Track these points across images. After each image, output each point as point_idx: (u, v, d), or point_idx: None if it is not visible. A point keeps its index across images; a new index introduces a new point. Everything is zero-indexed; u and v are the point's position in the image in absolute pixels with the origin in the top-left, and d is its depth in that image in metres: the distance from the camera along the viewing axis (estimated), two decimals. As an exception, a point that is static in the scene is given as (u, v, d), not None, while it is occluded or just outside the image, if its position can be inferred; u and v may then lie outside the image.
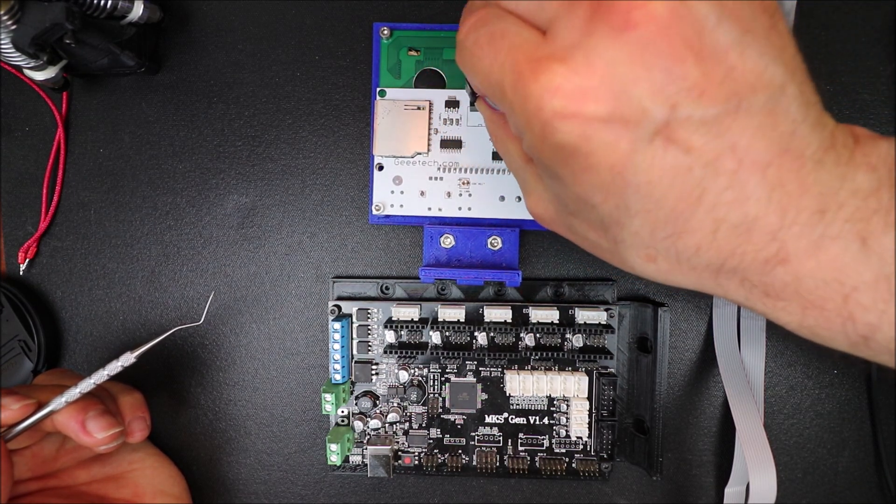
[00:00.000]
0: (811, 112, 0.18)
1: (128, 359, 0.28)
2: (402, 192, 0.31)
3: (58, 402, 0.26)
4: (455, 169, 0.31)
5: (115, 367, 0.27)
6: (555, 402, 0.32)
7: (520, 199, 0.30)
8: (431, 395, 0.32)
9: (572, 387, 0.31)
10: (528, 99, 0.18)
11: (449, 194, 0.31)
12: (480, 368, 0.32)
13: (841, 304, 0.19)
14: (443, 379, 0.32)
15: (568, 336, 0.32)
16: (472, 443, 0.32)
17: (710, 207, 0.18)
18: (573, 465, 0.32)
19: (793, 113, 0.18)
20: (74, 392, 0.27)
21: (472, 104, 0.30)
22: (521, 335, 0.32)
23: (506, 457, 0.32)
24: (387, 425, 0.32)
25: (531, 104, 0.18)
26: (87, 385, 0.27)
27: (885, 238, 0.18)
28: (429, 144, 0.30)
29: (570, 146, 0.18)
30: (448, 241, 0.30)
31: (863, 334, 0.19)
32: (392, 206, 0.31)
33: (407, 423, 0.32)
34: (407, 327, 0.31)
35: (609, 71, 0.17)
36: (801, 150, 0.18)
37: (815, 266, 0.18)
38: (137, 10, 0.30)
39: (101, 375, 0.27)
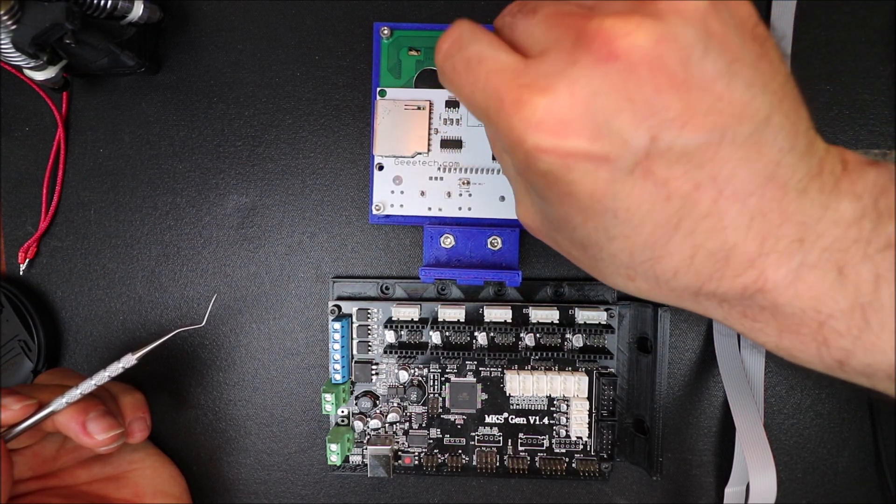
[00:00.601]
0: (799, 141, 0.18)
1: (129, 360, 0.28)
2: (402, 192, 0.31)
3: (59, 403, 0.26)
4: (455, 169, 0.31)
5: (116, 369, 0.27)
6: (555, 402, 0.32)
7: (520, 199, 0.30)
8: (431, 395, 0.32)
9: (572, 387, 0.31)
10: (511, 130, 0.18)
11: (449, 194, 0.31)
12: (480, 368, 0.32)
13: (816, 329, 0.19)
14: (443, 379, 0.32)
15: (568, 336, 0.32)
16: (472, 443, 0.32)
17: (687, 234, 0.18)
18: (573, 465, 0.32)
19: (779, 143, 0.17)
20: (75, 393, 0.27)
21: None
22: (521, 335, 0.32)
23: (506, 457, 0.32)
24: (387, 425, 0.32)
25: (514, 135, 0.18)
26: (88, 386, 0.27)
27: (862, 268, 0.18)
28: (429, 144, 0.30)
29: (551, 175, 0.18)
30: (448, 241, 0.30)
31: (837, 359, 0.19)
32: (392, 206, 0.31)
33: (407, 423, 0.32)
34: (407, 327, 0.31)
35: (591, 102, 0.17)
36: (786, 180, 0.18)
37: (792, 295, 0.18)
38: (137, 10, 0.30)
39: (102, 376, 0.27)
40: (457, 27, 0.20)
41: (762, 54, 0.17)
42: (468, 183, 0.31)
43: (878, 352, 0.18)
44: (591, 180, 0.18)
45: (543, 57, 0.18)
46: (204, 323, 0.31)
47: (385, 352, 0.32)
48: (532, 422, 0.32)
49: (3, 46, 0.26)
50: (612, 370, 0.32)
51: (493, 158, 0.30)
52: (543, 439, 0.32)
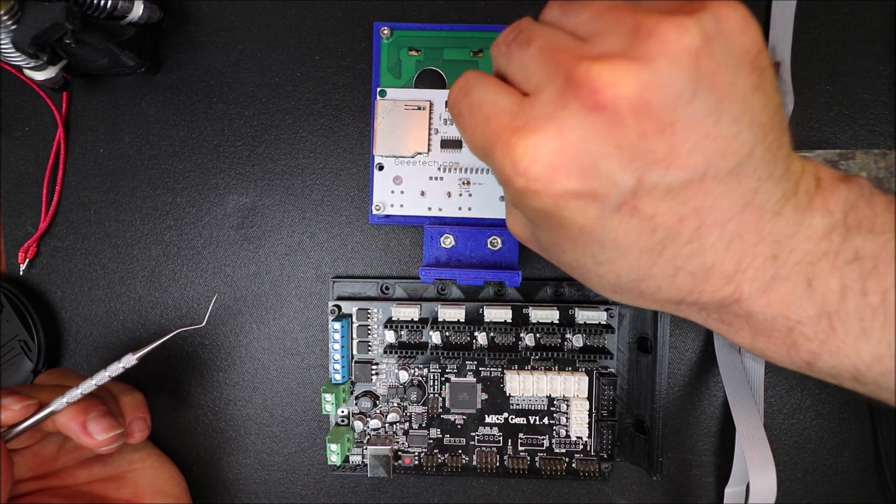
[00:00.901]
0: (778, 167, 0.19)
1: (129, 360, 0.28)
2: (402, 192, 0.31)
3: (59, 403, 0.26)
4: (455, 169, 0.31)
5: (116, 369, 0.27)
6: (555, 402, 0.32)
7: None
8: (431, 395, 0.32)
9: (572, 387, 0.31)
10: (503, 171, 0.19)
11: (449, 194, 0.31)
12: (480, 368, 0.32)
13: (786, 334, 0.20)
14: (443, 379, 0.32)
15: (568, 336, 0.32)
16: (472, 443, 0.32)
17: (670, 258, 0.19)
18: (573, 465, 0.32)
19: (759, 172, 0.18)
20: (76, 393, 0.27)
21: None
22: (521, 335, 0.32)
23: (506, 457, 0.32)
24: (387, 425, 0.32)
25: (506, 175, 0.19)
26: (88, 386, 0.27)
27: (830, 279, 0.19)
28: (429, 144, 0.30)
29: (542, 212, 0.19)
30: (448, 241, 0.30)
31: (806, 360, 0.20)
32: (392, 206, 0.31)
33: (407, 423, 0.32)
34: (407, 327, 0.31)
35: (580, 146, 0.17)
36: (762, 204, 0.19)
37: (765, 304, 0.19)
38: (137, 10, 0.30)
39: (102, 376, 0.27)
40: (465, 76, 0.22)
41: (757, 86, 0.18)
42: (468, 183, 0.31)
43: (843, 356, 0.19)
44: (580, 216, 0.19)
45: (535, 98, 0.19)
46: (204, 323, 0.31)
47: (385, 352, 0.32)
48: (532, 422, 0.32)
49: (3, 46, 0.26)
50: (612, 370, 0.32)
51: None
52: (543, 439, 0.32)
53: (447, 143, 0.30)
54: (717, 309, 0.20)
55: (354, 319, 0.32)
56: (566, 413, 0.32)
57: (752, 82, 0.18)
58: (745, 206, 0.18)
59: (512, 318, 0.31)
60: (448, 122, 0.30)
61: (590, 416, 0.32)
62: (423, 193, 0.31)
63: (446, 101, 0.22)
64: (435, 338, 0.31)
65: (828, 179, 0.20)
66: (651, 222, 0.18)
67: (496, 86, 0.20)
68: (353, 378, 0.32)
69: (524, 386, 0.31)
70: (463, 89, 0.21)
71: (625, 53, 0.17)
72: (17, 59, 0.27)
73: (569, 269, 0.22)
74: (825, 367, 0.20)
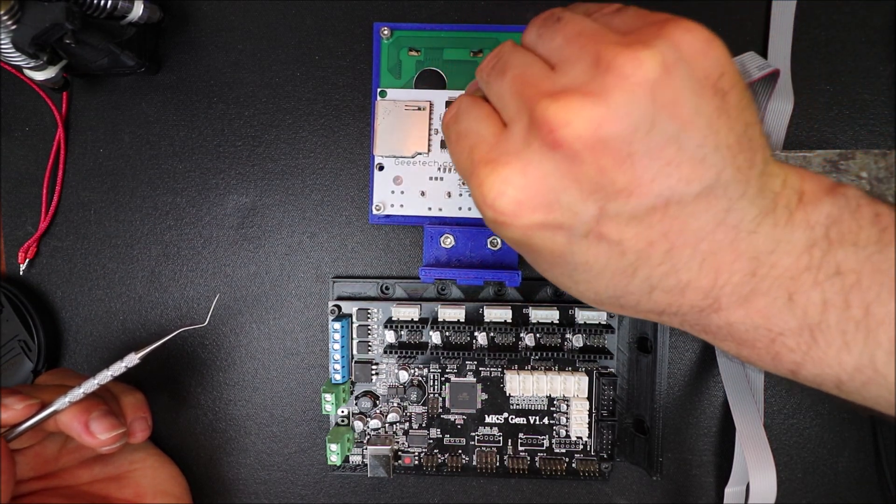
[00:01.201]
0: (751, 186, 0.18)
1: (132, 360, 0.28)
2: (402, 192, 0.31)
3: (61, 402, 0.26)
4: (455, 169, 0.31)
5: (119, 368, 0.27)
6: (555, 402, 0.32)
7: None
8: (431, 395, 0.32)
9: (572, 387, 0.31)
10: (476, 200, 0.20)
11: (449, 194, 0.31)
12: (480, 368, 0.32)
13: (768, 344, 0.20)
14: (443, 379, 0.32)
15: (568, 336, 0.32)
16: (472, 443, 0.32)
17: (644, 278, 0.20)
18: (573, 465, 0.32)
19: (729, 193, 0.18)
20: (78, 392, 0.27)
21: None
22: (521, 335, 0.32)
23: (506, 457, 0.32)
24: (387, 425, 0.32)
25: (478, 204, 0.20)
26: (90, 385, 0.27)
27: (812, 293, 0.19)
28: (429, 145, 0.30)
29: (513, 240, 0.20)
30: (448, 241, 0.30)
31: (789, 369, 0.20)
32: (392, 206, 0.31)
33: (407, 423, 0.32)
34: (407, 327, 0.31)
35: (542, 181, 0.18)
36: (736, 223, 0.19)
37: (744, 314, 0.20)
38: (137, 10, 0.30)
39: (104, 376, 0.27)
40: (458, 101, 0.23)
41: (721, 109, 0.18)
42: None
43: (825, 366, 0.19)
44: (550, 243, 0.20)
45: (508, 131, 0.20)
46: (206, 322, 0.31)
47: (385, 352, 0.32)
48: (532, 422, 0.32)
49: (3, 46, 0.26)
50: (612, 370, 0.32)
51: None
52: (543, 439, 0.32)
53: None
54: (698, 320, 0.21)
55: (354, 319, 0.32)
56: (566, 413, 0.32)
57: (716, 105, 0.18)
58: (717, 225, 0.18)
59: (512, 318, 0.31)
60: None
61: (590, 416, 0.32)
62: (423, 193, 0.31)
63: (441, 119, 0.24)
64: (435, 338, 0.31)
65: (812, 193, 0.19)
66: (619, 247, 0.19)
67: (483, 115, 0.21)
68: (353, 378, 0.32)
69: (524, 386, 0.31)
70: (454, 116, 0.22)
71: (582, 88, 0.18)
72: (17, 59, 0.27)
73: (554, 283, 0.23)
74: (809, 375, 0.20)
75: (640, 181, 0.18)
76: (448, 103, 0.30)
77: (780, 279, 0.19)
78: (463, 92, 0.30)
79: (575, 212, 0.18)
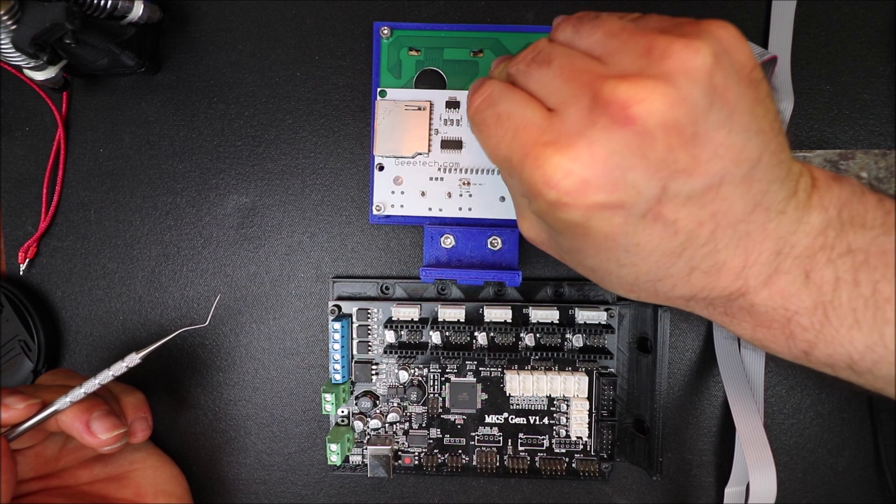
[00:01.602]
0: (781, 169, 0.20)
1: (133, 360, 0.28)
2: (402, 193, 0.31)
3: (62, 402, 0.26)
4: (455, 169, 0.31)
5: (120, 368, 0.27)
6: (555, 402, 0.32)
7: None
8: (431, 395, 0.32)
9: (572, 387, 0.31)
10: (534, 184, 0.19)
11: (449, 194, 0.31)
12: (480, 368, 0.32)
13: (784, 324, 0.21)
14: (443, 379, 0.32)
15: (568, 336, 0.32)
16: (472, 443, 0.32)
17: (688, 259, 0.20)
18: (573, 465, 0.32)
19: (767, 175, 0.20)
20: (79, 392, 0.27)
21: None
22: (521, 335, 0.32)
23: (506, 457, 0.32)
24: (387, 425, 0.32)
25: (536, 188, 0.19)
26: (91, 385, 0.27)
27: (825, 271, 0.20)
28: (429, 145, 0.30)
29: (570, 222, 0.20)
30: (448, 241, 0.30)
31: (803, 350, 0.22)
32: (392, 206, 0.31)
33: (407, 423, 0.32)
34: (407, 327, 0.31)
35: (609, 160, 0.18)
36: (769, 205, 0.20)
37: (766, 295, 0.21)
38: (137, 10, 0.29)
39: (105, 376, 0.27)
40: (487, 84, 0.22)
41: (757, 98, 0.19)
42: (468, 183, 0.31)
43: (837, 344, 0.21)
44: (606, 224, 0.20)
45: (563, 113, 0.19)
46: (208, 322, 0.31)
47: (385, 352, 0.32)
48: (532, 422, 0.32)
49: (3, 46, 0.26)
50: (612, 370, 0.32)
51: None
52: (543, 439, 0.32)
53: (447, 144, 0.30)
54: (724, 303, 0.22)
55: (354, 319, 0.32)
56: (566, 413, 0.32)
57: (753, 94, 0.19)
58: (755, 207, 0.20)
59: (512, 318, 0.31)
60: (448, 123, 0.30)
61: (590, 416, 0.32)
62: (423, 193, 0.31)
63: (468, 105, 0.23)
64: (435, 338, 0.31)
65: (822, 179, 0.21)
66: (673, 227, 0.20)
67: (524, 99, 0.21)
68: (353, 378, 0.32)
69: (524, 386, 0.31)
70: (489, 99, 0.22)
71: (645, 72, 0.18)
72: (17, 59, 0.27)
73: (588, 272, 0.23)
74: (821, 356, 0.21)
75: (699, 161, 0.18)
76: (448, 103, 0.30)
77: (799, 258, 0.20)
78: (462, 92, 0.30)
79: (638, 190, 0.19)
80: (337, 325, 0.31)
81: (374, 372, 0.32)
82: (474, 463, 0.32)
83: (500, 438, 0.32)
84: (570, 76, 0.20)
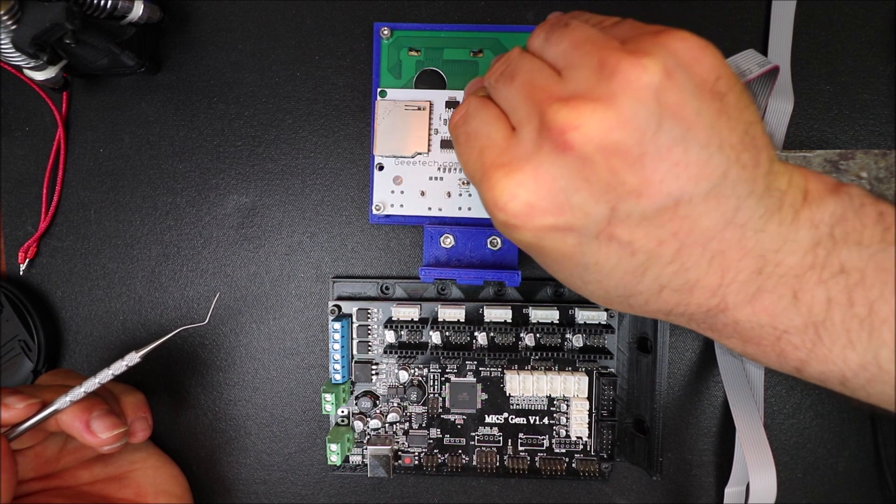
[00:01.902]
0: (758, 185, 0.19)
1: (133, 359, 0.28)
2: (402, 192, 0.31)
3: (62, 402, 0.26)
4: (455, 169, 0.31)
5: (120, 367, 0.27)
6: (555, 402, 0.32)
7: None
8: (431, 395, 0.32)
9: (572, 387, 0.31)
10: (487, 203, 0.20)
11: (449, 194, 0.31)
12: (480, 368, 0.32)
13: (774, 342, 0.20)
14: (443, 379, 0.32)
15: (568, 336, 0.32)
16: (472, 443, 0.32)
17: (654, 277, 0.20)
18: (573, 465, 0.32)
19: (737, 191, 0.18)
20: (79, 391, 0.27)
21: None
22: (521, 335, 0.32)
23: (506, 457, 0.32)
24: (387, 425, 0.32)
25: (489, 208, 0.20)
26: (91, 385, 0.27)
27: (816, 291, 0.19)
28: (429, 145, 0.30)
29: (524, 243, 0.20)
30: (448, 240, 0.30)
31: (794, 367, 0.21)
32: (392, 206, 0.31)
33: (407, 423, 0.32)
34: (407, 327, 0.31)
35: (553, 184, 0.19)
36: (744, 221, 0.19)
37: (750, 312, 0.20)
38: (137, 10, 0.29)
39: (106, 375, 0.27)
40: (467, 101, 0.23)
41: (721, 111, 0.18)
42: (468, 183, 0.31)
43: (830, 363, 0.20)
44: (560, 245, 0.20)
45: (519, 134, 0.20)
46: (207, 321, 0.31)
47: (385, 352, 0.32)
48: (532, 422, 0.32)
49: (3, 46, 0.26)
50: (612, 370, 0.32)
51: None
52: (543, 439, 0.32)
53: (447, 143, 0.30)
54: (704, 318, 0.21)
55: (354, 319, 0.32)
56: (566, 413, 0.32)
57: (716, 107, 0.18)
58: (726, 224, 0.19)
59: (512, 318, 0.31)
60: (448, 123, 0.30)
61: (590, 416, 0.32)
62: (423, 193, 0.31)
63: (448, 120, 0.24)
64: (435, 338, 0.31)
65: (816, 192, 0.20)
66: (629, 247, 0.19)
67: (492, 117, 0.21)
68: (353, 378, 0.32)
69: (524, 386, 0.31)
70: (463, 117, 0.22)
71: (589, 94, 0.18)
72: (17, 59, 0.27)
73: (564, 282, 0.23)
74: (814, 373, 0.20)
75: (650, 182, 0.18)
76: (448, 104, 0.30)
77: (785, 277, 0.19)
78: (463, 91, 0.30)
79: (586, 213, 0.19)
80: (337, 325, 0.31)
81: (374, 372, 0.32)
82: (474, 463, 0.32)
83: (500, 438, 0.32)
84: (527, 94, 0.20)
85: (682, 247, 0.19)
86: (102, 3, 0.28)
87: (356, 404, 0.32)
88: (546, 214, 0.19)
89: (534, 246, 0.20)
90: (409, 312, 0.31)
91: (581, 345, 0.32)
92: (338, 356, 0.31)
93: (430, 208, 0.31)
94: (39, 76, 0.29)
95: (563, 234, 0.19)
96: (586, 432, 0.32)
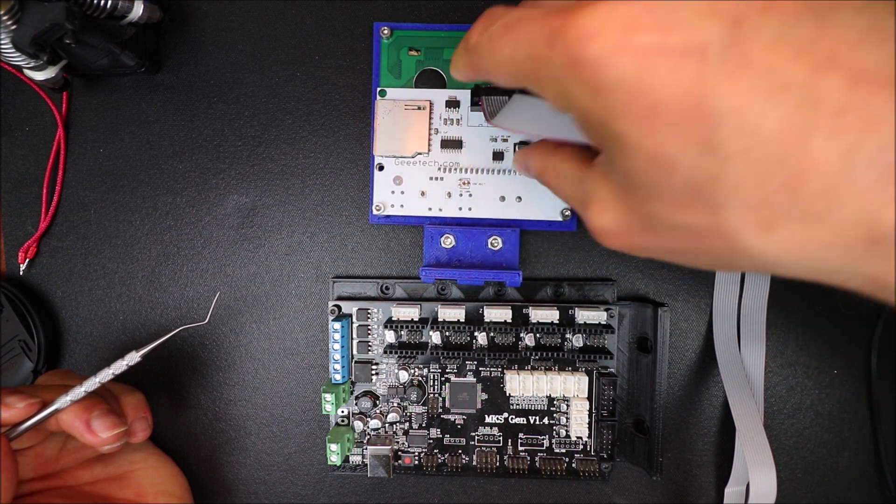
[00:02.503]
0: None
1: (133, 358, 0.28)
2: (402, 192, 0.31)
3: (63, 401, 0.26)
4: (455, 169, 0.31)
5: (120, 367, 0.27)
6: (555, 402, 0.32)
7: (520, 199, 0.30)
8: (431, 395, 0.32)
9: (572, 387, 0.31)
10: (570, 47, 0.15)
11: (449, 194, 0.31)
12: (480, 368, 0.32)
13: None
14: (443, 379, 0.32)
15: (568, 336, 0.32)
16: (472, 443, 0.32)
17: (830, 133, 0.13)
18: (573, 465, 0.32)
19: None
20: (79, 391, 0.27)
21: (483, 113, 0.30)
22: (521, 335, 0.32)
23: (506, 457, 0.32)
24: (387, 425, 0.32)
25: (574, 52, 0.15)
26: (91, 384, 0.27)
27: None
28: (429, 144, 0.30)
29: (627, 84, 0.15)
30: (448, 241, 0.30)
31: None
32: (392, 206, 0.31)
33: (407, 423, 0.32)
34: (407, 327, 0.31)
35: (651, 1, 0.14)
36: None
37: None
38: (137, 10, 0.29)
39: (106, 374, 0.27)
40: (487, 12, 0.20)
41: None
42: (468, 183, 0.31)
43: None
44: (675, 80, 0.14)
45: None
46: (207, 320, 0.31)
47: (385, 352, 0.32)
48: (532, 422, 0.32)
49: (3, 46, 0.26)
50: (612, 370, 0.32)
51: (494, 159, 0.30)
52: (543, 439, 0.32)
53: (447, 143, 0.30)
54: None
55: (354, 319, 0.32)
56: (566, 413, 0.32)
57: None
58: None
59: (512, 318, 0.31)
60: (448, 122, 0.30)
61: (590, 416, 0.32)
62: (423, 193, 0.31)
63: (468, 38, 0.20)
64: (435, 338, 0.31)
65: None
66: (773, 77, 0.14)
67: (531, 3, 0.18)
68: (353, 378, 0.32)
69: (524, 386, 0.31)
70: (492, 16, 0.19)
71: None
72: (17, 59, 0.27)
73: (691, 209, 0.16)
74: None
75: None
76: (448, 103, 0.30)
77: None
78: (463, 91, 0.30)
79: (697, 27, 0.14)
80: (337, 325, 0.31)
81: (374, 372, 0.32)
82: (474, 463, 0.32)
83: (500, 438, 0.32)
84: None
85: (853, 83, 0.13)
86: (102, 3, 0.28)
87: (356, 404, 0.32)
88: (650, 30, 0.14)
89: (638, 90, 0.15)
90: (409, 312, 0.31)
91: (581, 345, 0.31)
92: (338, 356, 0.31)
93: (430, 208, 0.31)
94: (39, 76, 0.29)
95: (676, 60, 0.14)
96: (586, 432, 0.32)
